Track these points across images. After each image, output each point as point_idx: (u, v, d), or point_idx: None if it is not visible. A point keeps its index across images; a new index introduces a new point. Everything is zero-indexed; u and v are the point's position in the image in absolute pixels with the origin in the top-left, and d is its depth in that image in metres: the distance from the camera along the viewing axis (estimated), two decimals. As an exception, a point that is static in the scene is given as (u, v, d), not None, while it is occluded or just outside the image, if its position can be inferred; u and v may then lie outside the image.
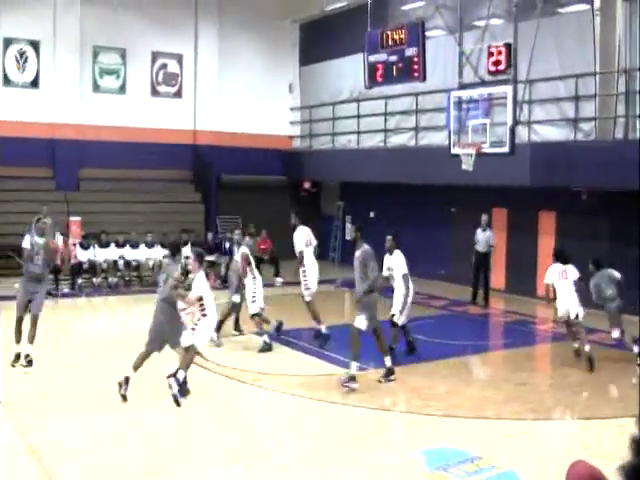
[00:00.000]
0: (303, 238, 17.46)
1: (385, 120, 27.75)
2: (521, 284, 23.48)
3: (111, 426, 11.44)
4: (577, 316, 15.71)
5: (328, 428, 11.69)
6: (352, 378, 13.67)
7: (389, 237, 16.10)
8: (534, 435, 11.16)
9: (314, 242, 17.72)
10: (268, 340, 16.62)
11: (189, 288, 12.93)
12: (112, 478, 9.50)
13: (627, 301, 16.48)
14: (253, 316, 16.96)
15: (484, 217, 22.87)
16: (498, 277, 24.66)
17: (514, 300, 23.28)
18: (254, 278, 17.07)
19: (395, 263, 15.92)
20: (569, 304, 15.75)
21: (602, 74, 20.06)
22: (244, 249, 17.30)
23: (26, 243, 15.17)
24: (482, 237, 22.78)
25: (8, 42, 28.28)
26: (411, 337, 16.16)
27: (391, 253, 15.99)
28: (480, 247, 22.78)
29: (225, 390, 13.93)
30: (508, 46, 19.85)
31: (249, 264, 17.09)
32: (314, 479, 9.72)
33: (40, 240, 15.14)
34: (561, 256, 16.52)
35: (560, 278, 15.97)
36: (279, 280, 25.86)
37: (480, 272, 22.88)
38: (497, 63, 20.11)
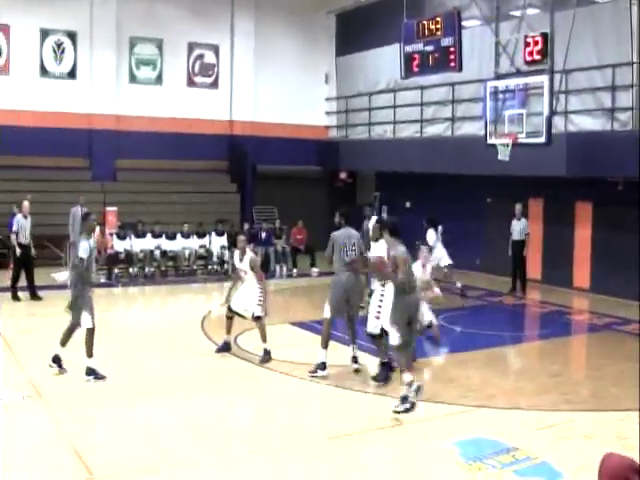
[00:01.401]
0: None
1: (421, 110, 27.69)
2: (557, 274, 23.41)
3: (142, 418, 11.49)
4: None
5: (363, 418, 11.72)
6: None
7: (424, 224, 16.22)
8: (570, 426, 11.13)
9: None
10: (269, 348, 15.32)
11: None
12: (140, 469, 9.54)
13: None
14: (259, 319, 15.23)
15: (518, 206, 22.96)
16: (534, 267, 24.58)
17: (550, 290, 23.22)
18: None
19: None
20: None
21: (639, 64, 19.93)
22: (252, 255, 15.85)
23: (85, 251, 13.47)
24: (517, 226, 22.94)
25: (45, 33, 28.52)
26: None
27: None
28: (515, 236, 22.95)
29: (260, 380, 13.99)
30: (544, 36, 19.74)
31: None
32: (349, 469, 9.76)
33: (93, 243, 13.93)
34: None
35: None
36: (315, 270, 25.92)
37: (517, 261, 22.99)
38: (533, 53, 20.01)
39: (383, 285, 13.24)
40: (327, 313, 14.21)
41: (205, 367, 14.67)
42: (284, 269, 26.37)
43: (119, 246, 25.13)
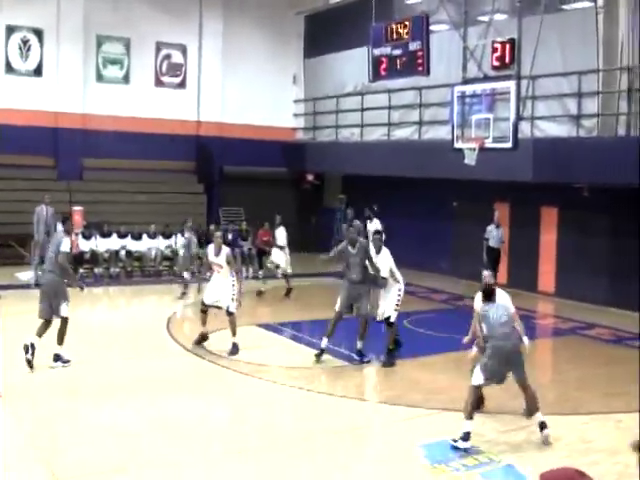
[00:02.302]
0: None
1: (389, 113, 27.78)
2: (522, 279, 23.53)
3: (108, 418, 11.47)
4: None
5: (327, 420, 11.76)
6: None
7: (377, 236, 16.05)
8: (534, 430, 11.21)
9: None
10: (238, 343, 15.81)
11: None
12: (107, 470, 9.53)
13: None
14: (231, 314, 15.85)
15: (497, 213, 23.20)
16: (500, 271, 24.71)
17: (515, 295, 23.20)
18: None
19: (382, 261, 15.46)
20: None
21: (605, 71, 20.14)
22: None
23: (67, 246, 14.34)
24: (496, 233, 23.08)
25: (11, 30, 28.27)
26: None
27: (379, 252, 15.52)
28: (493, 243, 23.03)
29: (225, 382, 14.00)
30: (512, 41, 19.84)
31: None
32: (313, 472, 9.78)
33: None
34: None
35: None
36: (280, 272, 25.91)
37: (492, 267, 22.78)
38: (501, 58, 20.09)
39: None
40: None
41: (170, 368, 14.66)
42: (250, 271, 26.31)
43: (84, 246, 24.97)
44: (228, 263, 15.78)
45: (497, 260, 22.86)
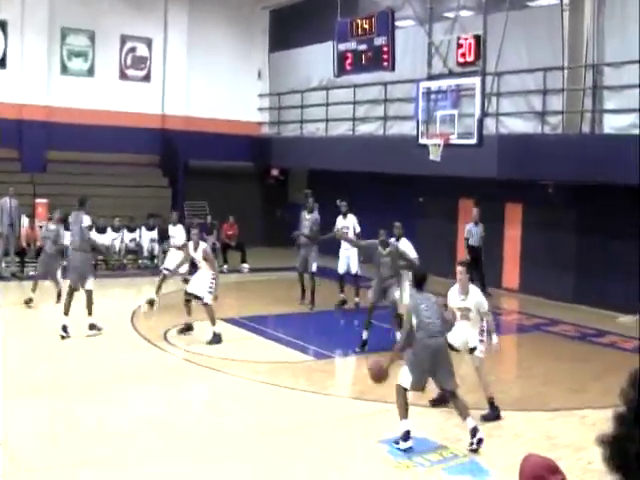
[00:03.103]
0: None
1: (354, 109, 27.78)
2: (487, 275, 23.61)
3: (69, 413, 11.47)
4: None
5: (292, 415, 11.78)
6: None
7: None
8: (498, 425, 11.29)
9: None
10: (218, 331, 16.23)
11: None
12: (73, 463, 9.51)
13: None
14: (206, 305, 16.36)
15: (475, 210, 22.90)
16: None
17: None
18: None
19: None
20: None
21: (570, 68, 20.25)
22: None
23: (88, 222, 17.13)
24: (475, 231, 22.73)
25: (-26, 21, 28.06)
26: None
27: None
28: (474, 242, 22.71)
29: (189, 376, 13.98)
30: (477, 38, 19.91)
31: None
32: (277, 467, 9.78)
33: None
34: None
35: None
36: (245, 266, 25.91)
37: (475, 267, 22.36)
38: (466, 55, 20.17)
39: None
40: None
41: (135, 362, 14.65)
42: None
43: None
44: (204, 259, 16.60)
45: (479, 259, 22.46)
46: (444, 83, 20.88)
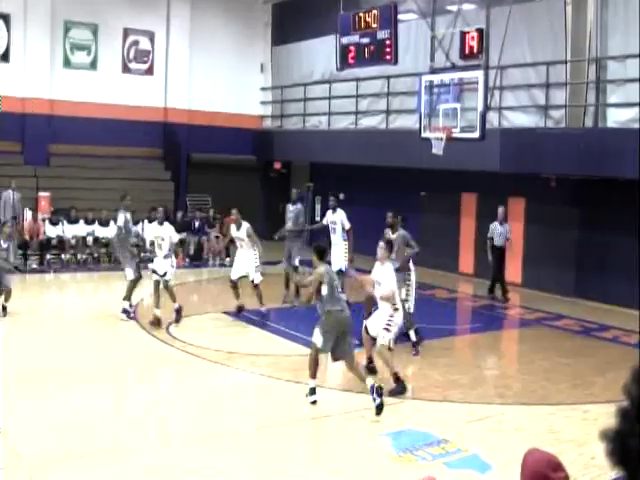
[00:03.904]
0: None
1: (356, 102, 27.76)
2: (489, 269, 23.59)
3: (73, 405, 11.46)
4: None
5: (293, 409, 11.77)
6: None
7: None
8: (500, 419, 11.30)
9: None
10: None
11: None
12: (73, 459, 9.51)
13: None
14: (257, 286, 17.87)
15: (501, 209, 22.06)
16: (467, 262, 24.86)
17: (483, 285, 23.39)
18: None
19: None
20: None
21: (573, 62, 20.22)
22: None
23: (121, 221, 18.03)
24: (500, 230, 21.79)
25: (-23, 15, 28.09)
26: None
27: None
28: (498, 241, 21.82)
29: (192, 369, 13.98)
30: (480, 31, 19.85)
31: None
32: (277, 460, 9.79)
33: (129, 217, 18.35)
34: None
35: None
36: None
37: (498, 267, 22.00)
38: (469, 48, 20.12)
39: None
40: None
41: (138, 355, 14.67)
42: (217, 258, 26.34)
43: (51, 232, 24.94)
44: (249, 236, 17.74)
45: (503, 259, 21.98)
46: (447, 77, 20.82)
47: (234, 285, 17.89)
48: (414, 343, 15.23)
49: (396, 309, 12.90)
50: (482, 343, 17.21)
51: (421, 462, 9.72)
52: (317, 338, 11.81)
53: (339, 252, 19.21)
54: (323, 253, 12.53)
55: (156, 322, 16.60)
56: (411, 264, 15.87)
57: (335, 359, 12.11)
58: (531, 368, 14.78)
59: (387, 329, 12.77)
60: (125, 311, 17.35)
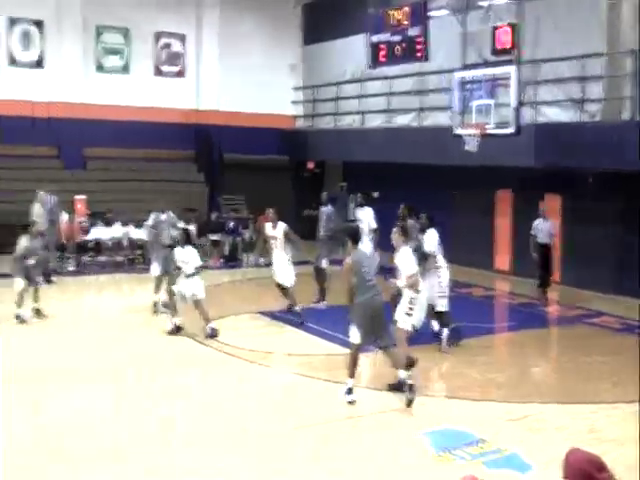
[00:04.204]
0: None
1: (388, 100, 27.67)
2: (526, 266, 23.33)
3: (112, 403, 11.57)
4: None
5: (331, 408, 11.70)
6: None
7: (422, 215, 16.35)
8: (540, 418, 11.17)
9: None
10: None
11: None
12: (107, 457, 9.56)
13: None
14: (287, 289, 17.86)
15: (543, 205, 21.69)
16: (502, 259, 24.67)
17: (520, 282, 23.21)
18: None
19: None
20: None
21: (609, 55, 19.95)
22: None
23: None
24: (544, 227, 20.89)
25: (12, 22, 28.42)
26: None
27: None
28: (542, 238, 20.90)
29: (228, 369, 13.96)
30: (512, 26, 19.76)
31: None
32: (316, 459, 9.73)
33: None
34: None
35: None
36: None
37: (542, 265, 21.17)
38: (501, 43, 20.02)
39: None
40: None
41: (172, 355, 14.69)
42: (251, 258, 26.33)
43: (88, 235, 25.08)
44: (285, 235, 17.63)
45: (548, 256, 21.09)
46: (479, 73, 20.77)
47: (279, 286, 18.00)
48: (435, 333, 15.20)
49: (417, 291, 12.91)
50: (520, 341, 17.03)
51: (460, 462, 9.62)
52: (354, 335, 11.75)
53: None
54: (355, 236, 12.41)
55: (175, 331, 16.46)
56: (443, 261, 15.73)
57: (380, 347, 12.11)
58: (571, 366, 14.60)
59: (408, 313, 12.89)
60: (164, 305, 17.51)
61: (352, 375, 11.82)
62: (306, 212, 28.34)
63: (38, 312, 17.38)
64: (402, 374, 11.72)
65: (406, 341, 12.90)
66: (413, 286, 12.79)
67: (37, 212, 22.15)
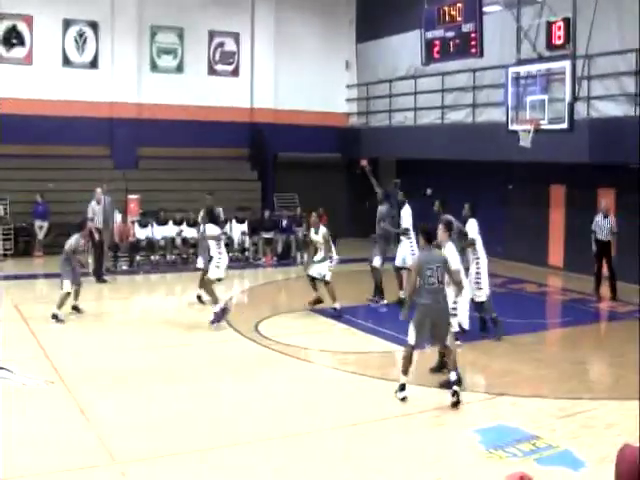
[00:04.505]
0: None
1: (442, 96, 27.56)
2: (579, 262, 23.15)
3: (166, 404, 11.56)
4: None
5: (383, 406, 11.69)
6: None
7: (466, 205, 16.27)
8: (592, 415, 11.08)
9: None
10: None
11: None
12: (166, 455, 9.61)
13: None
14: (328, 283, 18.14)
15: (604, 202, 21.29)
16: (556, 255, 24.49)
17: (572, 278, 23.06)
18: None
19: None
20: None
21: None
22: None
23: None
24: (603, 224, 20.61)
25: (68, 23, 28.68)
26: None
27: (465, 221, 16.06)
28: (601, 235, 20.63)
29: (280, 367, 13.99)
30: (567, 20, 19.55)
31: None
32: (368, 456, 9.72)
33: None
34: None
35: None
36: (336, 257, 25.83)
37: (602, 263, 20.90)
38: (555, 38, 19.84)
39: None
40: None
41: (227, 353, 14.81)
42: (305, 256, 26.35)
43: (140, 234, 25.31)
44: (325, 241, 18.16)
45: (608, 254, 20.68)
46: (533, 68, 20.59)
47: (312, 280, 18.40)
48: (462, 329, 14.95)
49: (461, 290, 13.06)
50: (573, 337, 16.91)
51: (512, 459, 9.57)
52: (410, 335, 11.78)
53: (404, 248, 18.98)
54: (428, 235, 12.30)
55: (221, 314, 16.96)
56: (483, 252, 15.90)
57: (434, 345, 12.32)
58: (623, 362, 14.42)
59: (453, 313, 13.10)
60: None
61: (405, 372, 11.81)
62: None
63: (76, 308, 17.54)
64: (452, 376, 11.69)
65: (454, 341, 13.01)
66: (458, 283, 12.78)
67: (94, 210, 22.34)
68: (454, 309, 13.24)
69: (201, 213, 19.30)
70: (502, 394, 12.23)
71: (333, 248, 18.44)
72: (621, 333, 17.42)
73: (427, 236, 12.23)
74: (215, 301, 16.73)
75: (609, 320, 19.35)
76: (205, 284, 17.49)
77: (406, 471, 9.34)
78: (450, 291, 12.73)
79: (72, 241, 17.18)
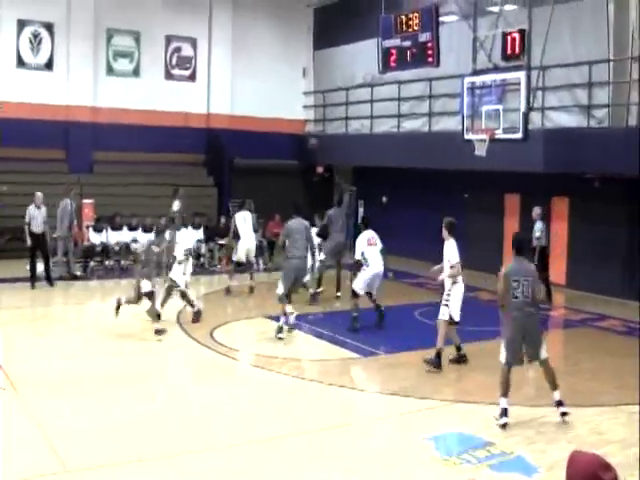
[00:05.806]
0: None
1: (399, 105, 27.72)
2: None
3: (118, 411, 11.53)
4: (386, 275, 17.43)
5: (337, 413, 11.74)
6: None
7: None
8: (546, 421, 11.19)
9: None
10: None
11: None
12: (117, 463, 9.58)
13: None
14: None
15: (537, 209, 21.40)
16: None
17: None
18: None
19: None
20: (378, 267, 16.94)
21: (616, 61, 20.04)
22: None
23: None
24: (535, 230, 20.90)
25: (22, 24, 28.44)
26: None
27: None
28: (532, 241, 20.67)
29: (235, 374, 14.01)
30: (522, 32, 19.74)
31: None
32: (323, 463, 9.76)
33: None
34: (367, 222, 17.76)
35: (368, 245, 17.04)
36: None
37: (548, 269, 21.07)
38: (511, 49, 20.01)
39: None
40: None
41: (182, 360, 14.80)
42: (261, 263, 26.32)
43: (95, 239, 25.12)
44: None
45: (540, 259, 20.46)
46: (489, 78, 20.72)
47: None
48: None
49: (455, 283, 13.73)
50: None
51: (466, 465, 9.65)
52: (501, 353, 11.43)
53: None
54: (520, 244, 12.33)
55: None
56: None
57: (530, 361, 11.73)
58: (576, 369, 14.61)
59: (446, 304, 13.75)
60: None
61: (504, 394, 11.22)
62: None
63: None
64: (556, 395, 11.44)
65: (446, 333, 13.86)
66: (454, 276, 13.59)
67: (31, 214, 21.83)
68: (447, 300, 13.77)
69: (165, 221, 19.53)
70: (457, 401, 12.33)
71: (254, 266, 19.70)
72: (574, 341, 17.64)
73: (517, 247, 12.05)
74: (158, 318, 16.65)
75: (562, 328, 19.53)
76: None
77: (361, 474, 9.40)
78: (446, 283, 13.56)
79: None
